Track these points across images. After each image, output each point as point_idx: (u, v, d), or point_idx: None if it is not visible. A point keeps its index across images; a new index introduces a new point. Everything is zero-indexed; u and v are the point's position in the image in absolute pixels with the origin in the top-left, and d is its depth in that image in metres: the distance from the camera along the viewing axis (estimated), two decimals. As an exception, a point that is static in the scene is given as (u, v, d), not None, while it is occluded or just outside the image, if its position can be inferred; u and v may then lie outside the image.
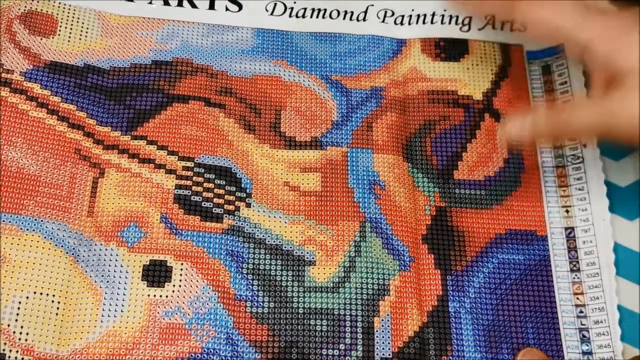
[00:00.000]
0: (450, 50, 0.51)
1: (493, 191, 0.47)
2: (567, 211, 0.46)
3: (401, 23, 0.52)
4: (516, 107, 0.49)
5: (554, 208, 0.46)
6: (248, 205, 0.44)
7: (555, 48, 0.50)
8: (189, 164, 0.45)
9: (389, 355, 0.41)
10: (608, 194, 0.46)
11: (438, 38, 0.52)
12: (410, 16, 0.52)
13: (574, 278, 0.44)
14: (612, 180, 0.46)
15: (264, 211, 0.44)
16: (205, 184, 0.45)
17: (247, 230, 0.43)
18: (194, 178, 0.45)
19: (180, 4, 0.51)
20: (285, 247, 0.43)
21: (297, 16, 0.52)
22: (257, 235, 0.43)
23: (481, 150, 0.48)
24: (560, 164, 0.47)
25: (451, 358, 0.41)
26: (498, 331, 0.42)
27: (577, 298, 0.43)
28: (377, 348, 0.41)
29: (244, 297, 0.42)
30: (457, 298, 0.43)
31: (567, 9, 0.41)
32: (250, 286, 0.42)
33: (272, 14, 0.52)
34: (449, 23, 0.52)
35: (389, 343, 0.41)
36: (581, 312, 0.42)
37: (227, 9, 0.51)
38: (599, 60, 0.41)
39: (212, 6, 0.51)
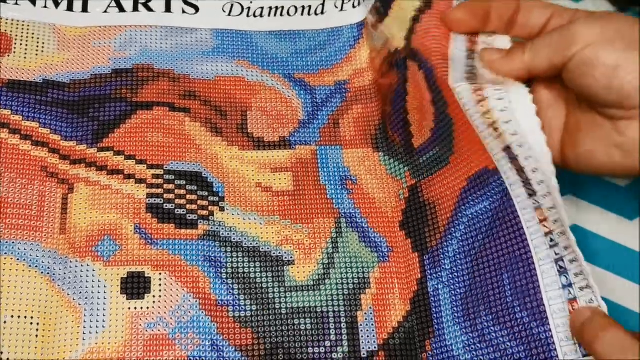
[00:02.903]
0: (382, 8, 0.49)
1: (442, 142, 0.43)
2: (495, 129, 0.40)
3: (359, 4, 0.51)
4: (435, 36, 0.45)
5: (485, 131, 0.40)
6: (222, 209, 0.44)
7: None
8: (158, 171, 0.44)
9: (375, 347, 0.41)
10: (607, 194, 0.46)
11: (376, 1, 0.49)
12: None
13: (533, 203, 0.38)
14: (611, 180, 0.47)
15: (238, 214, 0.44)
16: (176, 191, 0.44)
17: (222, 234, 0.43)
18: (165, 186, 0.44)
19: (135, 8, 0.50)
20: (262, 248, 0.43)
21: (254, 15, 0.51)
22: (234, 239, 0.43)
23: (416, 104, 0.45)
24: (477, 87, 0.42)
25: (434, 339, 0.41)
26: (475, 295, 0.40)
27: (544, 225, 0.37)
28: (362, 342, 0.41)
29: (226, 302, 0.42)
30: (434, 275, 0.42)
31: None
32: (231, 290, 0.42)
33: (229, 14, 0.51)
34: None
35: (374, 336, 0.41)
36: (552, 240, 0.37)
37: (183, 12, 0.51)
38: None
39: (168, 9, 0.51)
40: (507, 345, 0.37)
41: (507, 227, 0.39)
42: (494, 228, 0.39)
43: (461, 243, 0.41)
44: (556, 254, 0.37)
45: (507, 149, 0.39)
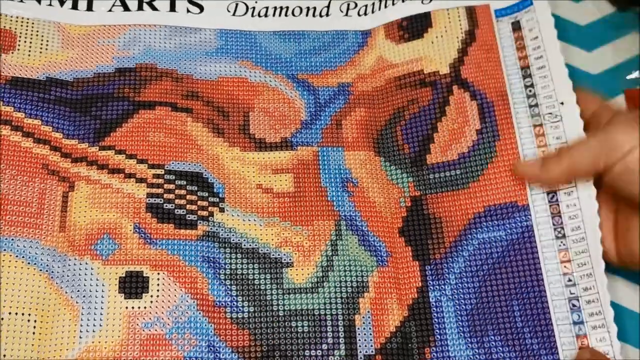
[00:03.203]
0: (412, 28, 0.50)
1: (468, 168, 0.45)
2: None
3: (365, 13, 0.51)
4: (486, 71, 0.47)
5: None
6: (222, 210, 0.44)
7: (524, 1, 0.49)
8: (159, 171, 0.44)
9: (372, 352, 0.41)
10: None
11: (400, 19, 0.51)
12: (373, 4, 0.52)
13: (560, 245, 0.42)
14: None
15: (238, 215, 0.44)
16: (177, 191, 0.44)
17: (222, 235, 0.43)
18: (165, 185, 0.44)
19: (140, 7, 0.50)
20: (261, 250, 0.43)
21: (259, 15, 0.51)
22: (233, 240, 0.43)
23: (452, 127, 0.47)
24: (537, 122, 0.45)
25: (434, 349, 0.41)
26: (483, 314, 0.41)
27: (565, 266, 0.41)
28: (359, 346, 0.41)
29: (223, 303, 0.41)
30: (437, 287, 0.43)
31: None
32: (229, 292, 0.42)
33: (234, 14, 0.51)
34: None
35: (371, 340, 0.41)
36: (569, 280, 0.41)
37: (188, 11, 0.51)
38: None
39: (172, 8, 0.51)
40: None
41: (523, 260, 0.42)
42: (508, 257, 0.42)
43: (468, 262, 0.43)
44: (571, 293, 0.40)
45: (553, 193, 0.43)
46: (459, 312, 0.42)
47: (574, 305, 0.40)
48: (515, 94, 0.46)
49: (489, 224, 0.43)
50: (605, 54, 0.51)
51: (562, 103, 0.45)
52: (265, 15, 0.51)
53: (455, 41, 0.49)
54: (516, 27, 0.49)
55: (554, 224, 0.42)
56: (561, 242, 0.42)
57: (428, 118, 0.47)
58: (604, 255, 0.40)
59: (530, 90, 0.46)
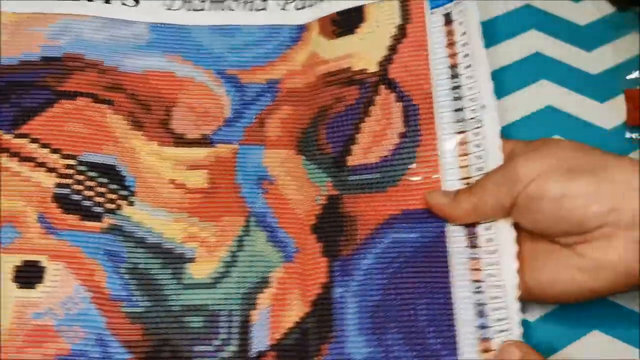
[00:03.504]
0: (345, 22, 0.49)
1: (388, 172, 0.44)
2: (467, 184, 0.42)
3: (302, 7, 0.51)
4: (414, 71, 0.46)
5: (453, 182, 0.43)
6: (131, 204, 0.44)
7: None
8: (71, 162, 0.44)
9: (266, 347, 0.40)
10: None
11: (334, 13, 0.50)
12: None
13: (470, 254, 0.41)
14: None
15: (146, 209, 0.44)
16: (87, 183, 0.44)
17: (127, 229, 0.43)
18: (76, 176, 0.44)
19: (76, -2, 0.50)
20: (165, 245, 0.43)
21: (195, 10, 0.51)
22: (138, 234, 0.43)
23: (375, 128, 0.45)
24: (461, 128, 0.44)
25: (332, 345, 0.40)
26: (386, 311, 0.40)
27: (474, 273, 0.41)
28: (253, 342, 0.40)
29: (119, 297, 0.41)
30: (343, 283, 0.41)
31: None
32: (127, 286, 0.41)
33: (170, 8, 0.51)
34: None
35: (266, 336, 0.40)
36: (478, 288, 0.40)
37: (123, 4, 0.50)
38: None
39: (108, 0, 0.50)
40: None
41: (432, 262, 0.41)
42: (418, 258, 0.41)
43: (377, 259, 0.42)
44: (478, 300, 0.40)
45: None
46: (361, 309, 0.41)
47: (480, 311, 0.40)
48: (441, 96, 0.45)
49: (404, 225, 0.42)
50: (605, 54, 0.50)
51: (483, 106, 0.43)
52: (202, 10, 0.51)
53: (386, 37, 0.48)
54: (448, 20, 0.47)
55: (467, 234, 0.42)
56: (473, 251, 0.41)
57: (352, 118, 0.46)
58: None
59: (456, 93, 0.45)
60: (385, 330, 0.40)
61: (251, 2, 0.51)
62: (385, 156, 0.45)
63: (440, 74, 0.46)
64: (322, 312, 0.41)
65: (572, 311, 0.42)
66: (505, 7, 0.53)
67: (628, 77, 0.49)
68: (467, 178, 0.43)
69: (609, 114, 0.48)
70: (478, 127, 0.43)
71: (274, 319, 0.41)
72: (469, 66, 0.45)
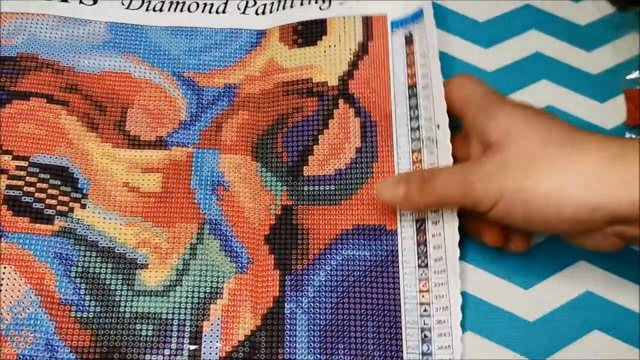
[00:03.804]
0: (307, 34, 0.49)
1: (343, 185, 0.44)
2: None
3: (262, 12, 0.50)
4: (374, 89, 0.47)
5: None
6: (83, 207, 0.43)
7: (418, 13, 0.47)
8: (23, 163, 0.44)
9: (216, 359, 0.40)
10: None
11: (297, 23, 0.50)
12: (272, 4, 0.51)
13: (421, 275, 0.41)
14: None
15: (99, 212, 0.43)
16: (38, 185, 0.43)
17: (79, 232, 0.42)
18: (27, 178, 0.43)
19: (32, -4, 0.49)
20: (117, 249, 0.42)
21: (154, 10, 0.50)
22: (90, 238, 0.42)
23: (333, 141, 0.46)
24: (416, 147, 0.44)
25: None
26: (335, 330, 0.40)
27: (423, 296, 0.40)
28: (204, 353, 0.40)
29: (70, 302, 0.41)
30: (294, 298, 0.42)
31: None
32: (77, 290, 0.41)
33: (128, 7, 0.50)
34: (309, 3, 0.50)
35: (216, 348, 0.40)
36: (425, 310, 0.40)
37: (81, 2, 0.50)
38: (470, 124, 0.40)
39: (65, -1, 0.50)
40: None
41: (384, 282, 0.41)
42: (369, 277, 0.41)
43: (329, 276, 0.42)
44: (425, 324, 0.40)
45: (421, 222, 0.42)
46: (312, 327, 0.41)
47: (425, 336, 0.40)
48: (399, 115, 0.45)
49: (356, 242, 0.43)
50: (605, 54, 0.51)
51: (438, 126, 0.43)
52: (160, 10, 0.51)
53: (347, 53, 0.48)
54: (409, 40, 0.47)
55: (418, 253, 0.42)
56: (423, 271, 0.41)
57: (310, 129, 0.46)
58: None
59: (414, 112, 0.45)
60: (335, 350, 0.40)
61: (211, 4, 0.51)
62: (341, 169, 0.45)
63: (399, 93, 0.46)
64: (273, 327, 0.41)
65: (572, 311, 0.42)
66: (505, 7, 0.53)
67: (628, 77, 0.50)
68: None
69: (609, 114, 0.48)
70: (433, 147, 0.43)
71: (225, 330, 0.41)
72: (426, 86, 0.45)
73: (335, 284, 0.42)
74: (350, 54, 0.48)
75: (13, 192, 0.43)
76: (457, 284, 0.40)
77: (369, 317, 0.41)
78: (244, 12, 0.51)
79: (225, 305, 0.42)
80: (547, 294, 0.43)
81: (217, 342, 0.41)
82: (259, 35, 0.50)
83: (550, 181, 0.35)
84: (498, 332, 0.42)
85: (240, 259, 0.43)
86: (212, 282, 0.42)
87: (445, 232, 0.40)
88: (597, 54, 0.51)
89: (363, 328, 0.40)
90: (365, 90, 0.47)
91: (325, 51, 0.48)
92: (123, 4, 0.51)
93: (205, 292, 0.42)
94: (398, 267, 0.42)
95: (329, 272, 0.42)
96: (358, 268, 0.42)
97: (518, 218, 0.36)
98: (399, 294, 0.41)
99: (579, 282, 0.43)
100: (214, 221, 0.44)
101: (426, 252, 0.41)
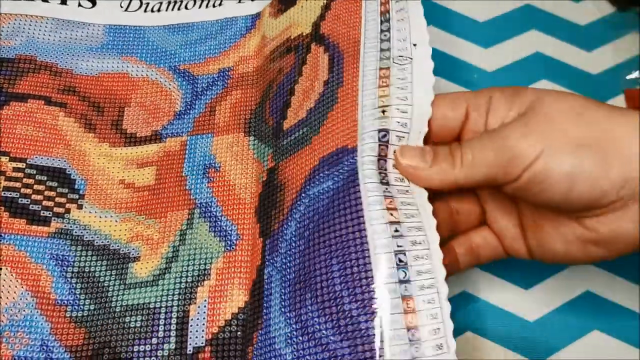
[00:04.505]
0: None
1: (312, 123, 0.40)
2: (383, 111, 0.37)
3: None
4: (345, 21, 0.42)
5: (369, 111, 0.37)
6: (80, 207, 0.43)
7: None
8: (20, 165, 0.43)
9: (202, 343, 0.39)
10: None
11: None
12: None
13: (384, 191, 0.34)
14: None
15: (95, 212, 0.43)
16: (35, 186, 0.43)
17: (75, 233, 0.42)
18: (24, 180, 0.43)
19: (32, -2, 0.49)
20: (112, 246, 0.42)
21: (152, 11, 0.50)
22: (86, 237, 0.42)
23: (305, 84, 0.42)
24: (384, 65, 0.39)
25: (261, 332, 0.37)
26: (303, 282, 0.35)
27: (391, 214, 0.33)
28: (190, 338, 0.39)
29: (65, 302, 0.40)
30: (271, 261, 0.38)
31: None
32: (73, 290, 0.41)
33: (126, 10, 0.50)
34: None
35: (202, 331, 0.39)
36: (396, 231, 0.33)
37: (79, 5, 0.50)
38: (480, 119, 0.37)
39: (64, 1, 0.50)
40: (330, 340, 0.32)
41: (345, 208, 0.34)
42: (331, 208, 0.35)
43: (298, 225, 0.37)
44: (398, 246, 0.33)
45: (384, 132, 0.36)
46: (283, 285, 0.36)
47: (400, 261, 0.33)
48: (369, 39, 0.41)
49: (320, 175, 0.37)
50: (605, 54, 0.51)
51: (414, 45, 0.39)
52: (159, 11, 0.50)
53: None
54: None
55: (379, 167, 0.35)
56: (385, 188, 0.34)
57: (288, 84, 0.44)
58: (513, 253, 0.38)
59: (385, 35, 0.40)
60: (303, 304, 0.34)
61: (208, 0, 0.51)
62: (311, 108, 0.41)
63: (370, 20, 0.42)
64: (255, 298, 0.39)
65: (572, 311, 0.42)
66: (505, 7, 0.53)
67: (628, 77, 0.50)
68: (385, 107, 0.37)
69: None
70: (405, 63, 0.39)
71: (211, 312, 0.40)
72: (400, 9, 0.41)
73: (302, 229, 0.36)
74: None
75: (10, 194, 0.43)
76: (426, 203, 0.35)
77: (332, 254, 0.34)
78: (240, 1, 0.50)
79: (212, 286, 0.41)
80: (547, 294, 0.42)
81: (203, 324, 0.40)
82: (254, 18, 0.50)
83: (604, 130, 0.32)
84: (498, 332, 0.41)
85: (229, 237, 0.42)
86: (199, 264, 0.41)
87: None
88: (597, 54, 0.51)
89: (328, 268, 0.34)
90: (335, 25, 0.43)
91: (302, 6, 0.46)
92: (121, 6, 0.51)
93: (192, 276, 0.41)
94: (358, 185, 0.35)
95: (298, 219, 0.37)
96: (322, 204, 0.36)
97: (555, 179, 0.32)
98: (363, 217, 0.34)
99: (579, 282, 0.42)
100: (204, 204, 0.43)
101: (385, 168, 0.35)
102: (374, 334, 0.31)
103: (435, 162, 0.35)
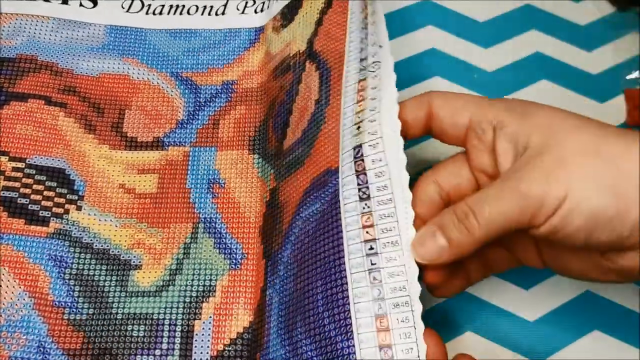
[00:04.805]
0: (288, 13, 0.47)
1: (305, 143, 0.40)
2: (358, 127, 0.36)
3: (261, 10, 0.50)
4: (333, 36, 0.42)
5: (348, 129, 0.37)
6: (79, 208, 0.43)
7: None
8: (19, 164, 0.43)
9: (207, 359, 0.39)
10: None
11: (282, 7, 0.48)
12: (270, 0, 0.50)
13: (363, 208, 0.34)
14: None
15: (94, 214, 0.43)
16: (34, 186, 0.43)
17: (74, 234, 0.42)
18: (24, 180, 0.43)
19: (32, -3, 0.49)
20: (112, 251, 0.42)
21: (154, 13, 0.50)
22: (85, 240, 0.42)
23: (301, 104, 0.42)
24: (362, 77, 0.38)
25: (262, 352, 0.38)
26: (295, 304, 0.35)
27: (367, 232, 0.33)
28: (195, 352, 0.40)
29: (63, 304, 0.40)
30: (272, 283, 0.39)
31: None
32: (71, 292, 0.40)
33: (128, 10, 0.50)
34: None
35: (207, 347, 0.40)
36: (371, 248, 0.33)
37: (81, 4, 0.50)
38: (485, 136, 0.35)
39: (65, 1, 0.50)
40: None
41: (328, 231, 0.35)
42: (318, 231, 0.36)
43: (293, 247, 0.38)
44: (372, 264, 0.33)
45: (358, 147, 0.36)
46: (280, 308, 0.37)
47: (374, 279, 0.33)
48: (352, 51, 0.40)
49: (311, 197, 0.37)
50: (605, 54, 0.51)
51: (380, 46, 0.39)
52: (160, 13, 0.50)
53: (315, 13, 0.45)
54: None
55: (358, 184, 0.35)
56: (365, 204, 0.34)
57: (288, 103, 0.44)
58: (526, 264, 0.37)
59: (364, 43, 0.40)
60: (294, 326, 0.35)
61: (211, 6, 0.50)
62: (305, 128, 0.41)
63: (354, 29, 0.42)
64: (259, 319, 0.39)
65: (572, 311, 0.42)
66: (505, 7, 0.53)
67: (628, 77, 0.50)
68: (360, 123, 0.37)
69: (609, 114, 0.48)
70: (376, 69, 0.38)
71: (216, 329, 0.41)
72: (373, 12, 0.41)
73: (296, 252, 0.37)
74: (318, 12, 0.45)
75: (9, 194, 0.43)
76: (408, 214, 0.34)
77: (317, 276, 0.34)
78: (243, 12, 0.50)
79: (218, 304, 0.41)
80: (547, 294, 0.42)
81: (208, 341, 0.40)
82: (257, 32, 0.50)
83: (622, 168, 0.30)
84: (498, 332, 0.41)
85: (234, 255, 0.42)
86: (204, 280, 0.42)
87: (388, 155, 0.35)
88: (597, 54, 0.50)
89: (313, 291, 0.34)
90: (325, 40, 0.43)
91: (299, 22, 0.46)
92: (123, 7, 0.51)
93: (197, 291, 0.41)
94: (339, 207, 0.35)
95: (293, 242, 0.38)
96: (311, 226, 0.36)
97: (582, 220, 0.31)
98: (342, 238, 0.34)
99: (579, 282, 0.41)
100: (208, 219, 0.43)
101: (367, 182, 0.35)
102: (349, 353, 0.32)
103: (449, 237, 0.33)
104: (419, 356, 0.31)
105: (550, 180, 0.31)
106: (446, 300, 0.42)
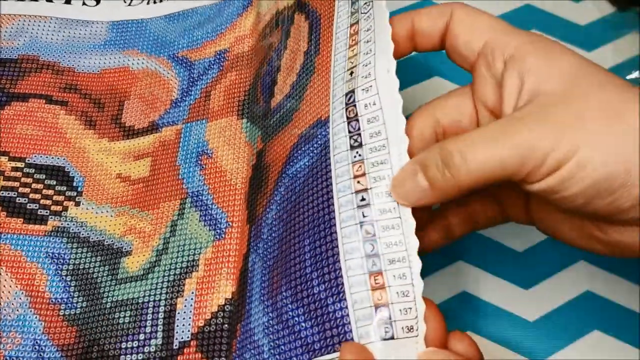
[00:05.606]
0: None
1: (294, 97, 0.37)
2: (351, 73, 0.33)
3: None
4: None
5: (340, 75, 0.33)
6: (77, 204, 0.43)
7: None
8: (19, 164, 0.44)
9: (188, 337, 0.38)
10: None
11: None
12: None
13: (354, 157, 0.30)
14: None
15: (92, 208, 0.43)
16: (33, 185, 0.43)
17: (72, 230, 0.42)
18: (23, 179, 0.43)
19: (36, -2, 0.49)
20: (107, 241, 0.42)
21: (154, 2, 0.50)
22: (82, 234, 0.42)
23: (289, 57, 0.39)
24: (354, 20, 0.35)
25: (243, 322, 0.35)
26: (279, 267, 0.32)
27: (358, 181, 0.30)
28: (177, 332, 0.38)
29: (59, 300, 0.40)
30: (255, 247, 0.36)
31: None
32: (67, 288, 0.41)
33: (130, 4, 0.50)
34: None
35: (189, 324, 0.38)
36: (362, 199, 0.29)
37: (84, 3, 0.50)
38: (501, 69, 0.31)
39: (68, 0, 0.50)
40: (302, 327, 0.30)
41: (317, 185, 0.32)
42: (305, 187, 0.32)
43: (278, 207, 0.34)
44: (364, 216, 0.29)
45: (351, 93, 0.32)
46: (263, 273, 0.34)
47: (367, 232, 0.29)
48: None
49: (298, 153, 0.34)
50: (605, 54, 0.49)
51: None
52: (160, 1, 0.50)
53: None
54: None
55: (349, 131, 0.31)
56: (357, 152, 0.31)
57: (277, 59, 0.42)
58: (511, 219, 0.35)
59: None
60: (279, 290, 0.32)
61: None
62: (294, 82, 0.38)
63: None
64: (241, 288, 0.36)
65: (572, 311, 0.41)
66: (505, 7, 0.51)
67: (628, 77, 0.48)
68: (353, 68, 0.33)
69: None
70: (369, 9, 0.34)
71: (197, 304, 0.38)
72: None
73: (281, 212, 0.34)
74: None
75: (7, 194, 0.43)
76: (402, 161, 0.30)
77: (305, 234, 0.31)
78: None
79: (200, 277, 0.39)
80: (547, 294, 0.41)
81: (190, 317, 0.38)
82: None
83: None
84: (498, 332, 0.40)
85: (219, 225, 0.40)
86: (188, 256, 0.40)
87: (382, 99, 0.31)
88: (597, 54, 0.49)
89: (300, 250, 0.31)
90: None
91: None
92: (125, 2, 0.50)
93: (181, 268, 0.40)
94: (329, 159, 0.31)
95: (278, 202, 0.35)
96: (298, 183, 0.33)
97: (585, 185, 0.27)
98: (332, 191, 0.30)
99: (579, 282, 0.41)
100: (195, 193, 0.42)
101: (359, 128, 0.31)
102: (342, 316, 0.28)
103: (430, 178, 0.29)
104: (417, 318, 0.27)
105: (562, 136, 0.27)
106: (446, 300, 0.41)
